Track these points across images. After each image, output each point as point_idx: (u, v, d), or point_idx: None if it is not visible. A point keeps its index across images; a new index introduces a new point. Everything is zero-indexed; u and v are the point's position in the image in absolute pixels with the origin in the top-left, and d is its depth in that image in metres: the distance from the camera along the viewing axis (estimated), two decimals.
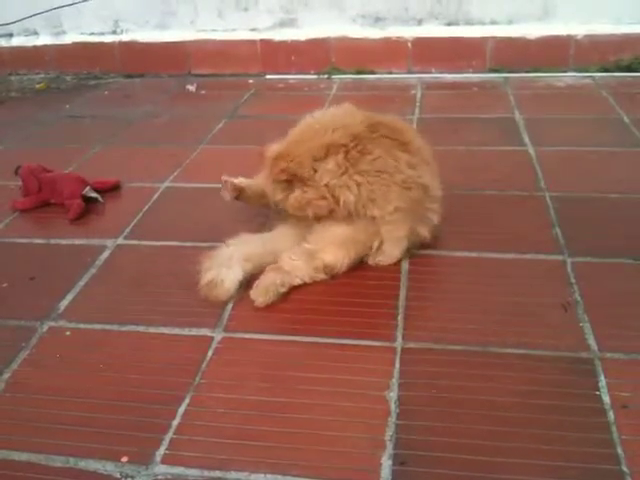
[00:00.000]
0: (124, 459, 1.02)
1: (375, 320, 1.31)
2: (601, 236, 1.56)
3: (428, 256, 1.52)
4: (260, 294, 1.36)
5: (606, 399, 1.08)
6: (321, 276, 1.42)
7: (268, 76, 3.12)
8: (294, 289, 1.41)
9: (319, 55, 3.05)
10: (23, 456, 1.04)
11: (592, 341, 1.21)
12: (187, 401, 1.13)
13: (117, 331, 1.33)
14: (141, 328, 1.33)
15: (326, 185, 1.39)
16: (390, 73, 3.02)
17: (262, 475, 0.98)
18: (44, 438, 1.07)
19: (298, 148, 1.41)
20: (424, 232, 1.48)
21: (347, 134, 1.40)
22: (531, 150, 2.08)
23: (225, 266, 1.38)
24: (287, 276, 1.39)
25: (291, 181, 1.41)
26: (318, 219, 1.44)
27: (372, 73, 3.02)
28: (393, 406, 1.09)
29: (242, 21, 3.09)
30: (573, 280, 1.40)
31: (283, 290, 1.39)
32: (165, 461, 1.01)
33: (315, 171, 1.39)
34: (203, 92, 2.98)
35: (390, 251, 1.46)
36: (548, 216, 1.66)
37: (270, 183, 1.45)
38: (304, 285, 1.42)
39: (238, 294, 1.39)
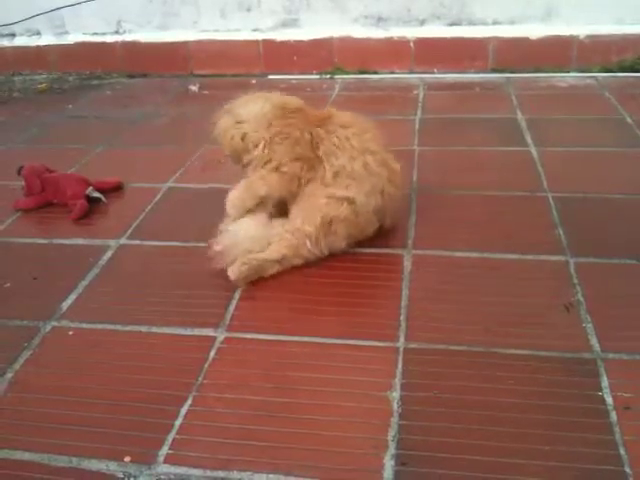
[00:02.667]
0: (127, 459, 1.02)
1: (378, 320, 1.31)
2: (604, 237, 1.56)
3: (430, 256, 1.52)
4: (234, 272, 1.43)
5: (609, 400, 1.08)
6: (304, 241, 1.46)
7: (271, 76, 3.11)
8: (295, 288, 1.42)
9: (322, 55, 3.05)
10: (26, 456, 1.04)
11: (595, 342, 1.21)
12: (190, 401, 1.13)
13: (120, 331, 1.33)
14: (144, 328, 1.33)
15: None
16: (392, 73, 3.02)
17: (264, 475, 0.98)
18: (47, 438, 1.07)
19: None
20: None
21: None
22: (533, 150, 2.08)
23: None
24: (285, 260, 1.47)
25: None
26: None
27: (375, 73, 3.02)
28: (395, 406, 1.09)
29: (245, 21, 3.09)
30: (576, 281, 1.40)
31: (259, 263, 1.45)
32: (168, 461, 1.02)
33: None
34: (206, 92, 2.98)
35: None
36: (551, 217, 1.66)
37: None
38: (306, 285, 1.42)
39: (241, 294, 1.40)
